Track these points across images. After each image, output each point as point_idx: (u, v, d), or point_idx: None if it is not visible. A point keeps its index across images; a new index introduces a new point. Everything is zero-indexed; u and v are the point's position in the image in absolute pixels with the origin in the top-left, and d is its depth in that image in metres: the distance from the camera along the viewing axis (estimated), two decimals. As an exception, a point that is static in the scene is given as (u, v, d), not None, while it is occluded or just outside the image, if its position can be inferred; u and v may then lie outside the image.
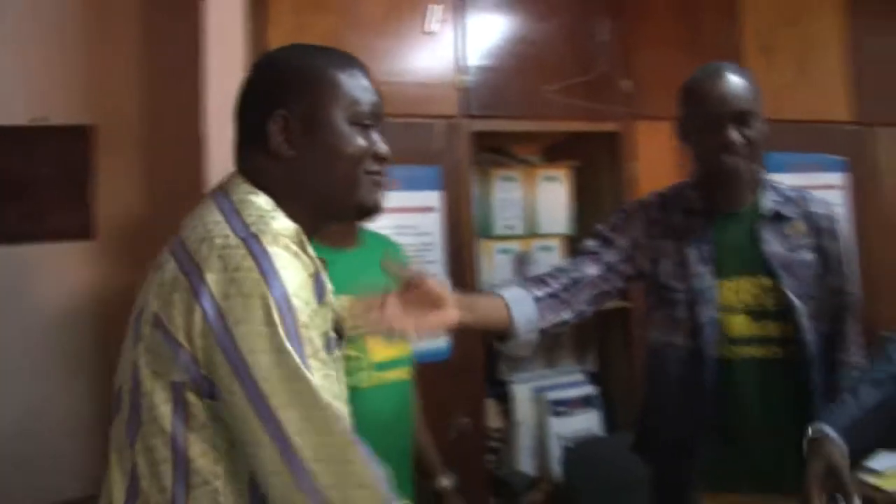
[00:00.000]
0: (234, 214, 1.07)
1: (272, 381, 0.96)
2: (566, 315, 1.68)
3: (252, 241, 1.02)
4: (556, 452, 2.57)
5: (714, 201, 1.75)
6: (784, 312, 1.67)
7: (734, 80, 1.68)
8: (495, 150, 2.85)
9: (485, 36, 2.46)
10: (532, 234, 2.85)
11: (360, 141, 1.15)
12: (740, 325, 1.68)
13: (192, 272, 1.01)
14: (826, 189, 2.85)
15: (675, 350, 1.71)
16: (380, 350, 1.56)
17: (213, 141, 2.05)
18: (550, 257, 2.85)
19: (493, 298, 1.60)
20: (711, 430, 1.68)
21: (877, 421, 1.55)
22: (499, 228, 2.78)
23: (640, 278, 1.79)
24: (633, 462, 2.09)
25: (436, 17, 2.35)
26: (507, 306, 1.58)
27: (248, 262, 0.99)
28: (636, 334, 2.63)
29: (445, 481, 1.77)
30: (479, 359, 2.39)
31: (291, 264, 1.02)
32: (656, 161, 2.69)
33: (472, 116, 2.42)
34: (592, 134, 2.70)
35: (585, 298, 1.70)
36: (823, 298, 1.71)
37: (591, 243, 1.80)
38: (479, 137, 2.46)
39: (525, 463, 2.62)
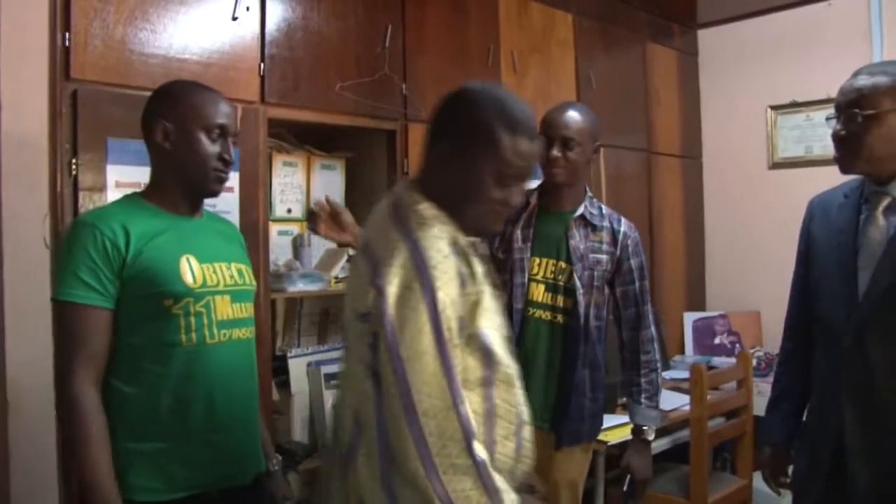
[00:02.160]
0: (404, 221, 1.37)
1: (424, 377, 1.26)
2: None
3: (415, 248, 1.32)
4: (330, 422, 2.77)
5: (546, 201, 2.31)
6: (570, 290, 2.23)
7: (568, 114, 2.23)
8: (275, 136, 2.97)
9: (286, 28, 2.58)
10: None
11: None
12: (539, 292, 2.25)
13: (378, 274, 1.32)
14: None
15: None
16: (224, 309, 1.70)
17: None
18: (325, 241, 3.04)
19: None
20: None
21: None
22: (279, 211, 2.92)
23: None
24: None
25: (243, 5, 2.43)
26: None
27: (412, 272, 1.29)
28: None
29: (274, 464, 1.92)
30: (266, 335, 2.52)
31: (446, 273, 1.30)
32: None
33: (269, 103, 2.54)
34: (368, 129, 2.93)
35: None
36: (604, 291, 2.31)
37: None
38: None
39: (301, 432, 2.79)
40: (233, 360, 1.71)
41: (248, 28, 2.47)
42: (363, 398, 1.36)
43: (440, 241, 1.33)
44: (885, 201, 1.77)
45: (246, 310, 1.78)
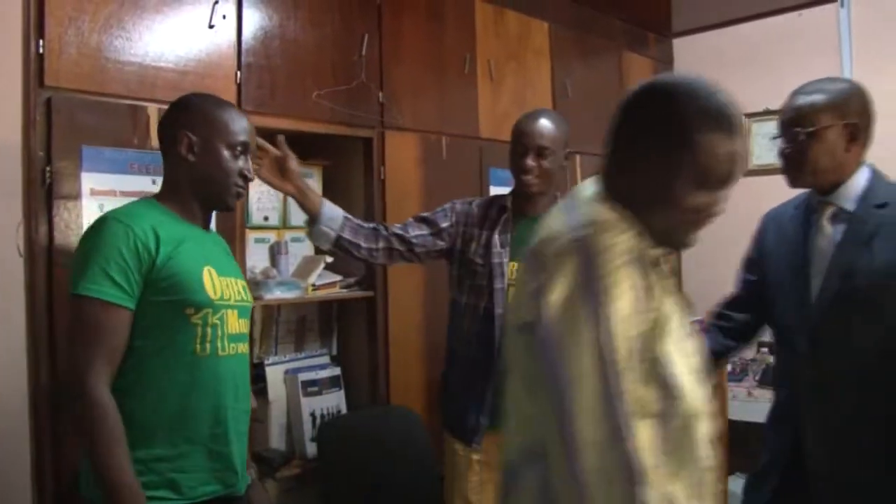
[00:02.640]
0: (578, 224, 1.22)
1: (585, 404, 1.09)
2: (360, 243, 2.22)
3: (586, 254, 1.15)
4: (307, 429, 2.77)
5: (520, 206, 2.32)
6: None
7: (541, 122, 2.26)
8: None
9: (263, 36, 2.59)
10: (285, 225, 3.03)
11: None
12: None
13: (542, 283, 1.17)
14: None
15: (476, 310, 2.27)
16: (233, 323, 1.71)
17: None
18: (302, 248, 3.05)
19: (318, 196, 2.23)
20: (496, 377, 2.17)
21: None
22: (256, 218, 2.92)
23: (443, 255, 2.34)
24: (378, 434, 2.39)
25: (219, 14, 2.44)
26: (322, 202, 2.19)
27: (579, 282, 1.13)
28: (378, 321, 2.92)
29: (252, 472, 1.91)
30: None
31: (619, 285, 1.13)
32: (401, 167, 3.02)
33: (246, 111, 2.51)
34: (345, 137, 2.94)
35: (377, 247, 2.25)
36: None
37: (410, 220, 2.33)
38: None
39: (278, 439, 2.79)
40: (237, 373, 1.73)
41: (224, 36, 2.48)
42: (529, 424, 1.21)
43: (616, 249, 1.16)
44: (830, 210, 1.86)
45: (246, 326, 1.79)
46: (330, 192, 3.12)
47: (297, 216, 3.02)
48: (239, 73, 2.51)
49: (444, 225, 2.33)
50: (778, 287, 1.97)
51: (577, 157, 3.77)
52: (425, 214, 2.37)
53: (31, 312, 2.05)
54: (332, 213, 2.20)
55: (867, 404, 1.76)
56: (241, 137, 1.74)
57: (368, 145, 2.96)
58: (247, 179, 1.76)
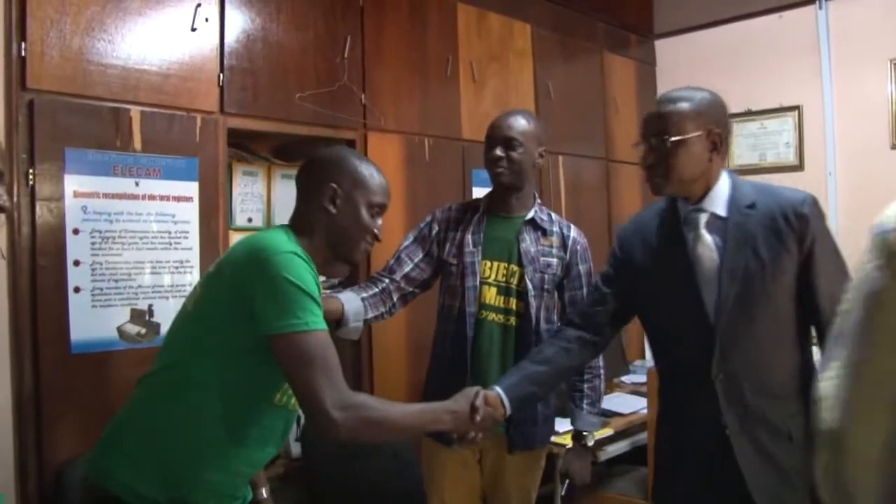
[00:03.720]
0: None
1: None
2: (381, 312, 2.23)
3: None
4: (292, 429, 2.78)
5: (495, 206, 2.36)
6: (522, 293, 2.28)
7: (512, 117, 2.30)
8: (234, 146, 2.99)
9: (245, 39, 2.61)
10: (269, 227, 3.04)
11: None
12: (491, 295, 2.29)
13: None
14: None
15: (451, 310, 2.30)
16: None
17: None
18: (286, 250, 3.06)
19: (333, 300, 2.12)
20: (469, 377, 2.21)
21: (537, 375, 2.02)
22: (239, 220, 2.93)
23: (440, 265, 2.36)
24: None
25: (202, 16, 2.45)
26: (342, 304, 2.13)
27: None
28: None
29: (265, 492, 1.94)
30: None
31: None
32: (384, 168, 2.95)
33: (229, 114, 2.55)
34: (328, 138, 2.96)
35: (393, 302, 2.27)
36: (554, 295, 2.36)
37: (402, 248, 2.35)
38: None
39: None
40: (292, 425, 1.76)
41: (207, 39, 2.49)
42: None
43: None
44: (705, 217, 1.84)
45: None
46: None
47: (282, 217, 3.05)
48: (221, 75, 2.52)
49: (433, 234, 2.35)
50: (661, 298, 1.91)
51: (560, 158, 3.81)
52: (413, 234, 2.38)
53: (13, 314, 2.06)
54: (354, 305, 2.16)
55: (767, 383, 1.78)
56: (381, 199, 1.77)
57: (351, 147, 2.97)
58: (376, 239, 1.80)
